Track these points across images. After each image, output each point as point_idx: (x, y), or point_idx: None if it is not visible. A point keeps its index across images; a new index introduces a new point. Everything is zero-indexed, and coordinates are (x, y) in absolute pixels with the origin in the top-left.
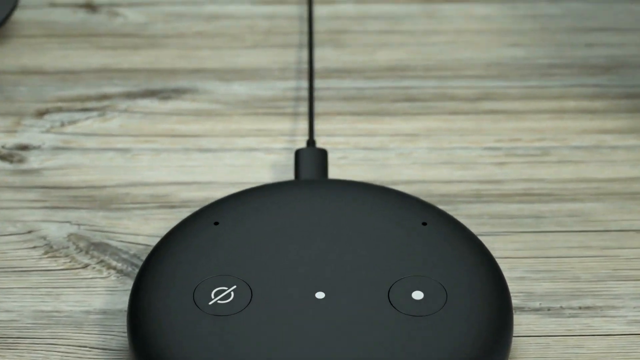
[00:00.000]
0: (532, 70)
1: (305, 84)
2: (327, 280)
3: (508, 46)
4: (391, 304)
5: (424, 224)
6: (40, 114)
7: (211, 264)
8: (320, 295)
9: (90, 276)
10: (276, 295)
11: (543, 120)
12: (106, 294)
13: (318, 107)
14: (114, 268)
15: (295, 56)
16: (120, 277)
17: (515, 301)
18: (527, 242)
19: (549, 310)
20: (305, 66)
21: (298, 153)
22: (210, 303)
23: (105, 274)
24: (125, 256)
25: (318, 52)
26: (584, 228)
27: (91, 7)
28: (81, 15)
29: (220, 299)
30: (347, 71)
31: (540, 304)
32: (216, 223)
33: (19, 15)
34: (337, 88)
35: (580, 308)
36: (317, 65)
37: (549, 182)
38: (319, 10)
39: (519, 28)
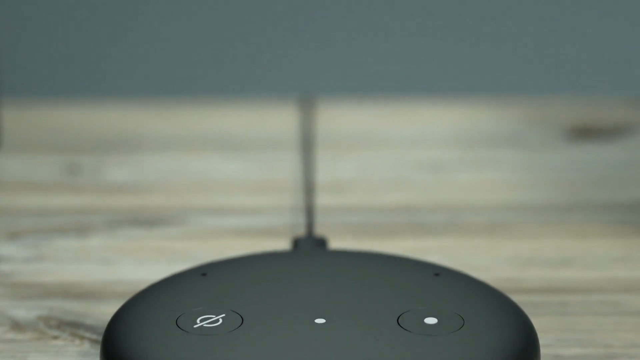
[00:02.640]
0: (550, 208)
1: (302, 219)
2: (329, 309)
3: (523, 190)
4: (401, 327)
5: (437, 274)
6: (13, 235)
7: (197, 298)
8: (320, 320)
9: (61, 344)
10: (270, 320)
11: (565, 240)
12: (79, 356)
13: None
14: (89, 339)
15: (293, 200)
16: (95, 345)
17: None
18: (552, 321)
19: None
20: (303, 203)
21: (296, 241)
22: (195, 326)
23: (77, 342)
24: (101, 330)
25: (317, 199)
26: (616, 310)
27: (75, 167)
28: (64, 175)
29: (207, 323)
30: (349, 209)
31: None
32: (204, 274)
33: None
34: (338, 221)
35: None
36: (316, 204)
37: (574, 281)
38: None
39: (532, 181)
